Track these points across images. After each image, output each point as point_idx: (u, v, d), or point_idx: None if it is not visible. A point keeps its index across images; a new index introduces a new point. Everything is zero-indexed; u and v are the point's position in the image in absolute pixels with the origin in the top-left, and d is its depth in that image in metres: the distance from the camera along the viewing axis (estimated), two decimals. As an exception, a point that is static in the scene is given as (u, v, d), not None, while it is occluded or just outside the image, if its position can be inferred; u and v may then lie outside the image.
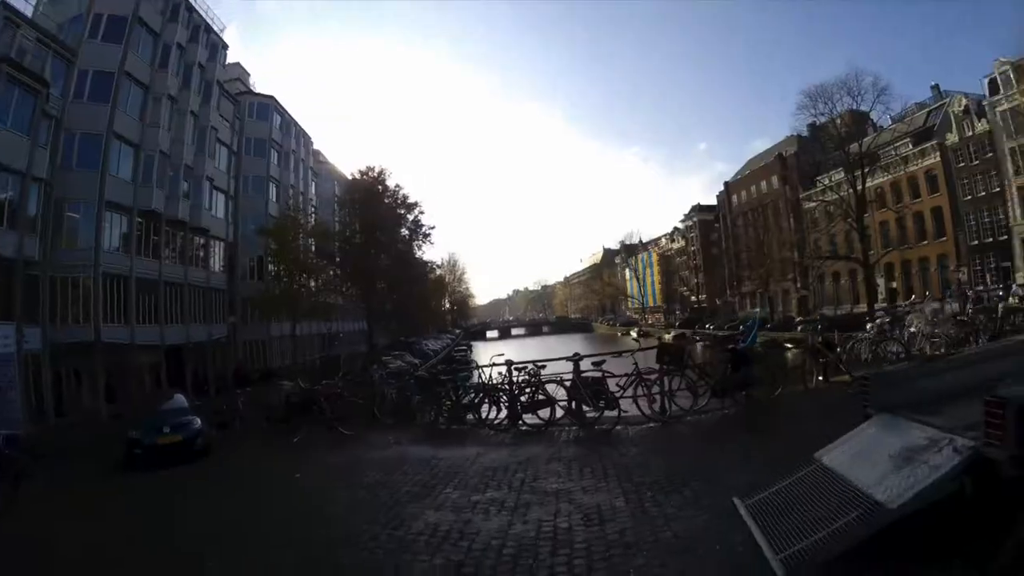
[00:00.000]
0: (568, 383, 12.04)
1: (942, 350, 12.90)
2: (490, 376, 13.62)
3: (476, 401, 13.42)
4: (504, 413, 12.94)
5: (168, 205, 37.72)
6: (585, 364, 12.15)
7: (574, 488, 7.58)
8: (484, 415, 13.08)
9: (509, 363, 13.22)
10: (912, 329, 14.58)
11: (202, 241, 42.64)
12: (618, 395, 11.57)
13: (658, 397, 11.66)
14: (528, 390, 12.57)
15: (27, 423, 25.64)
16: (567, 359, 12.44)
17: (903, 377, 6.21)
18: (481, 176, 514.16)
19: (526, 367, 12.84)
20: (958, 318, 14.63)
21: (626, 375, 11.78)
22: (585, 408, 11.73)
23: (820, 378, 12.83)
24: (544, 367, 12.72)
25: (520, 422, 12.40)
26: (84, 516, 9.66)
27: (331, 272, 53.54)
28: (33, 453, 14.22)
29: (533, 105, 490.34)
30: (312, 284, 48.98)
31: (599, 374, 11.94)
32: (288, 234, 44.41)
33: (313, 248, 50.62)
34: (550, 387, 12.29)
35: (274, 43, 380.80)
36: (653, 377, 11.72)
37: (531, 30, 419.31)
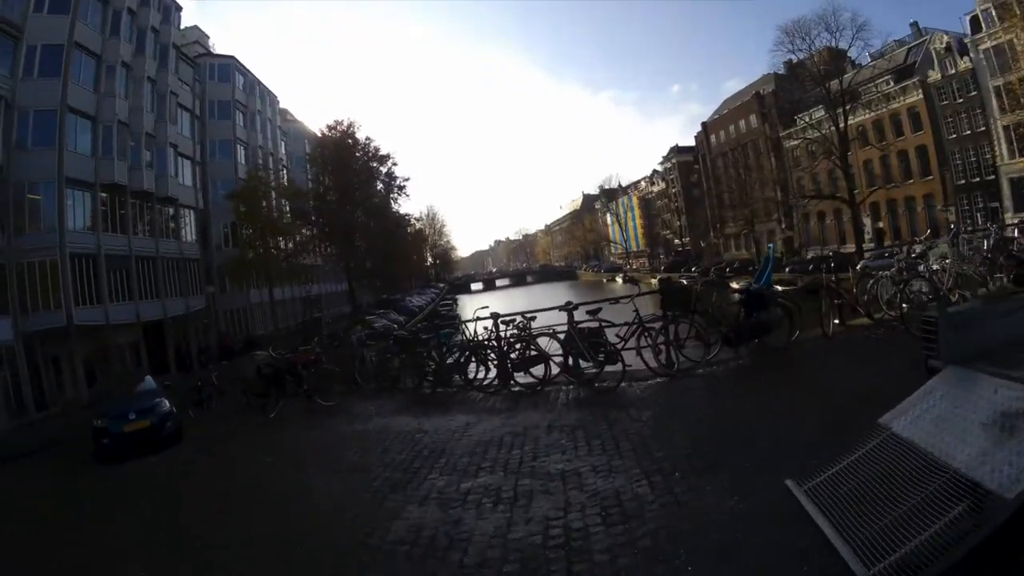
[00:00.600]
0: (562, 336, 10.95)
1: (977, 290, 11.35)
2: (475, 332, 12.64)
3: (462, 361, 12.49)
4: (493, 373, 11.89)
5: (132, 177, 36.20)
6: (580, 315, 11.05)
7: (583, 468, 6.36)
8: (472, 376, 12.12)
9: (495, 316, 12.06)
10: (936, 266, 12.09)
11: (171, 211, 41.21)
12: (619, 347, 10.37)
13: (663, 348, 10.36)
14: (518, 346, 11.45)
15: (5, 421, 24.95)
16: (559, 309, 11.24)
17: (976, 318, 4.95)
18: (457, 127, 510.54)
19: (514, 320, 11.78)
20: (987, 256, 12.39)
21: (626, 324, 10.59)
22: (583, 363, 10.73)
23: (836, 321, 11.33)
24: (534, 319, 11.63)
25: (512, 382, 11.31)
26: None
27: (306, 232, 52.34)
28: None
29: (503, 51, 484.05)
30: (286, 246, 47.77)
31: (596, 324, 10.76)
32: (256, 195, 43.10)
33: (287, 209, 49.48)
34: (542, 341, 11.13)
35: (232, 7, 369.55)
36: (657, 326, 10.51)
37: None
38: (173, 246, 40.25)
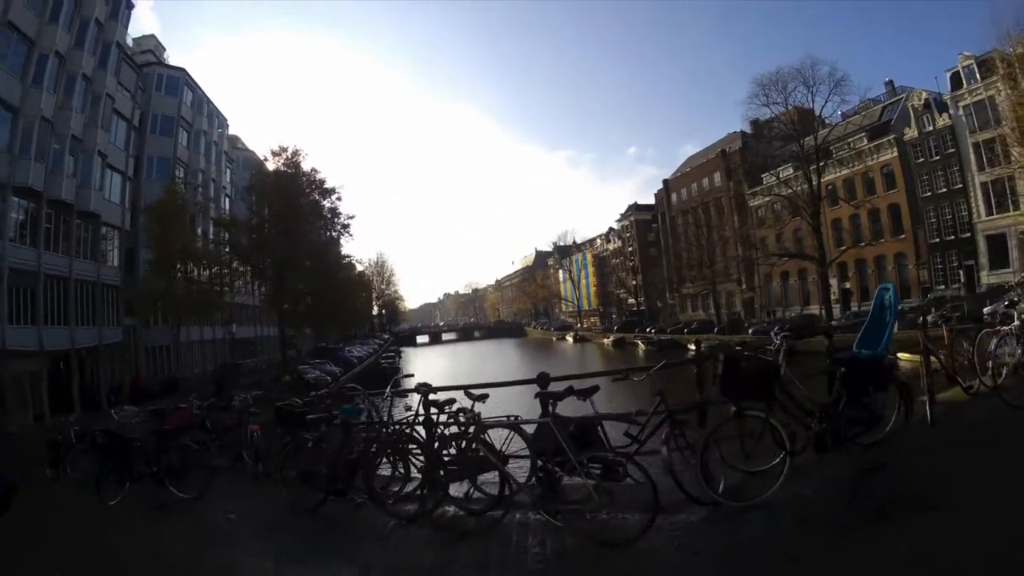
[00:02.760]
0: (529, 427, 6.62)
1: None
2: (388, 413, 8.21)
3: (370, 455, 7.54)
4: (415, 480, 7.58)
5: (50, 183, 31.84)
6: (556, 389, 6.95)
7: None
8: (385, 484, 7.68)
9: (424, 390, 7.94)
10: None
11: (92, 229, 36.45)
12: (630, 450, 6.40)
13: (701, 451, 5.66)
14: (454, 441, 7.01)
15: None
16: (531, 382, 7.39)
17: None
18: (411, 176, 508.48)
19: (453, 401, 7.55)
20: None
21: (638, 415, 6.82)
22: (567, 477, 5.98)
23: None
24: (485, 398, 7.35)
25: (444, 503, 6.79)
26: None
27: (238, 267, 47.98)
28: None
29: (463, 107, 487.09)
30: (202, 275, 43.21)
31: (590, 413, 6.46)
32: (174, 214, 37.96)
33: (222, 237, 45.54)
34: (497, 435, 6.81)
35: (199, 32, 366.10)
36: (691, 418, 6.71)
37: (461, 30, 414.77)
38: (90, 268, 35.55)
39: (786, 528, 5.00)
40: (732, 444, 5.88)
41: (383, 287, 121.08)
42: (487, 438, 6.71)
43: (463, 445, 6.88)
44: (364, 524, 6.90)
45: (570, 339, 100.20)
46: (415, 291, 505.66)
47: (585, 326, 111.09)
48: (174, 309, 39.00)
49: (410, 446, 7.80)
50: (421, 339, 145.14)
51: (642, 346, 70.07)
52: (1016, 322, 8.30)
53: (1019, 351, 8.00)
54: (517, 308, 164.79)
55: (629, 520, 5.52)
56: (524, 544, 5.60)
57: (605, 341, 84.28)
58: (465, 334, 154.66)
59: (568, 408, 6.29)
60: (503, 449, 6.82)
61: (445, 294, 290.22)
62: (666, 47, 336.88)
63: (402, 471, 7.86)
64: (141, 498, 9.06)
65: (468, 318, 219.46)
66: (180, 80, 47.90)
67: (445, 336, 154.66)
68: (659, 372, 7.42)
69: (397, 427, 8.09)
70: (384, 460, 7.84)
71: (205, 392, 33.16)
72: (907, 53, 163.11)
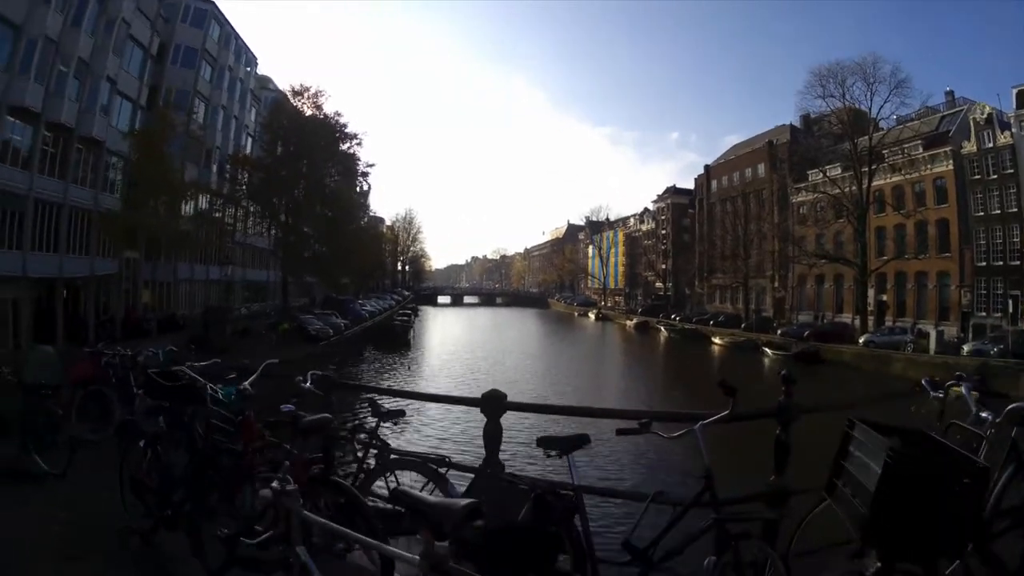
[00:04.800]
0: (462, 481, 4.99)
1: None
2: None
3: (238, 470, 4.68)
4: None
5: (49, 104, 30.03)
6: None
7: None
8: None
9: (319, 380, 5.66)
10: None
11: (95, 156, 34.57)
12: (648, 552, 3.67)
13: None
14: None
15: None
16: (473, 403, 5.45)
17: None
18: (449, 136, 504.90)
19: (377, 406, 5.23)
20: None
21: (655, 499, 4.12)
22: None
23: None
24: (399, 417, 5.25)
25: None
26: None
27: (246, 206, 46.29)
28: None
29: (510, 73, 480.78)
30: (187, 210, 40.72)
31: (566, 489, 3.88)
32: (157, 139, 34.88)
33: (236, 178, 44.07)
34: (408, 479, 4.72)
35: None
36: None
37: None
38: (87, 196, 33.73)
39: None
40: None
41: (409, 243, 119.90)
42: (393, 481, 4.73)
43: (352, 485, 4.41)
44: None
45: (592, 316, 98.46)
46: (443, 251, 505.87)
47: (609, 304, 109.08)
48: (152, 242, 36.81)
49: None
50: (443, 299, 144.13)
51: (664, 332, 68.28)
52: None
53: None
54: (543, 279, 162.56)
55: None
56: None
57: (628, 323, 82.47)
58: (487, 299, 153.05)
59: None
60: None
61: (472, 257, 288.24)
62: (721, 35, 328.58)
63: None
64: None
65: (493, 284, 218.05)
66: (207, 13, 45.58)
67: (467, 299, 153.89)
68: (710, 428, 3.91)
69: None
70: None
71: (196, 334, 32.31)
72: (969, 66, 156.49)
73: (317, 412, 4.55)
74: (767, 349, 48.75)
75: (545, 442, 3.95)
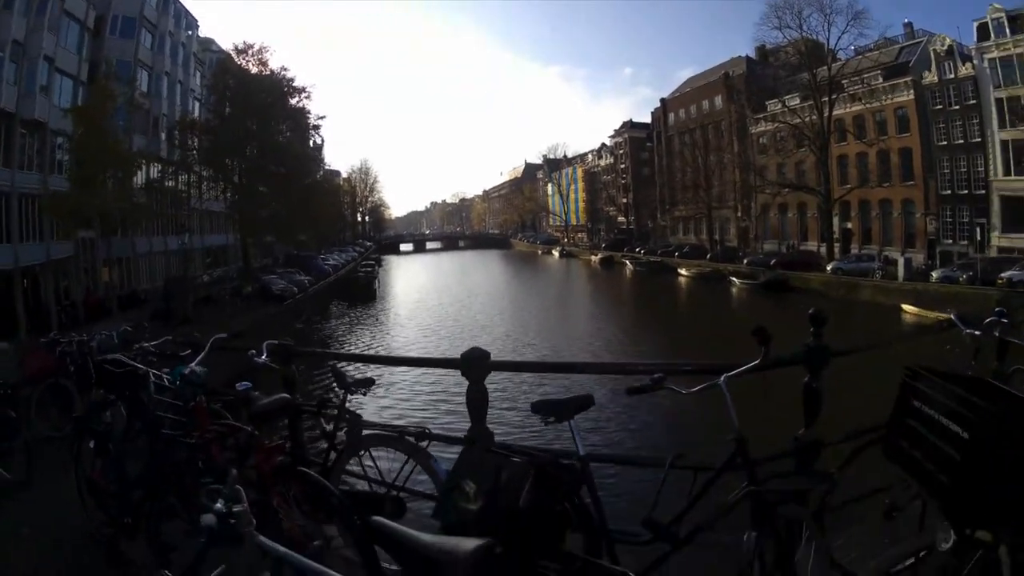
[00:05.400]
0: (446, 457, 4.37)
1: None
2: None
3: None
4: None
5: (-13, 91, 28.49)
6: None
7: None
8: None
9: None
10: None
11: (39, 138, 33.01)
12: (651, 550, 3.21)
13: None
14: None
15: None
16: (452, 365, 4.70)
17: None
18: (402, 85, 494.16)
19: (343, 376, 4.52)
20: None
21: (674, 462, 3.46)
22: None
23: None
24: (367, 386, 4.46)
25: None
26: None
27: (200, 171, 44.62)
28: None
29: (457, 16, 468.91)
30: (139, 181, 38.60)
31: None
32: (97, 114, 32.48)
33: (186, 144, 42.55)
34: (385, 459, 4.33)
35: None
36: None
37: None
38: (34, 180, 32.16)
39: None
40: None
41: (367, 193, 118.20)
42: (368, 460, 4.29)
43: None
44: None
45: (556, 254, 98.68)
46: (402, 199, 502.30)
47: (572, 242, 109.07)
48: (106, 219, 34.90)
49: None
50: (405, 247, 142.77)
51: (630, 266, 68.87)
52: None
53: None
54: (504, 220, 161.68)
55: None
56: None
57: (592, 258, 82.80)
58: (450, 243, 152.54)
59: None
60: (397, 480, 4.07)
61: (432, 203, 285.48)
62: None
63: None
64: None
65: (454, 227, 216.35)
66: (143, -21, 43.06)
67: (429, 245, 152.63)
68: (737, 380, 3.32)
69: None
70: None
71: (159, 307, 31.41)
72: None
73: (278, 386, 4.37)
74: (734, 279, 49.39)
75: (542, 407, 3.40)
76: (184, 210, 48.22)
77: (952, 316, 4.19)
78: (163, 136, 44.24)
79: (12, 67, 30.54)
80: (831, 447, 3.79)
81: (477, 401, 4.28)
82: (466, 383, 4.35)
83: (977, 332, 3.96)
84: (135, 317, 27.25)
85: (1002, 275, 32.11)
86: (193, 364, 4.61)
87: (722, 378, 3.24)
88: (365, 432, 4.28)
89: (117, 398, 4.95)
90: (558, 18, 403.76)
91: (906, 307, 33.92)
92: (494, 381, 4.57)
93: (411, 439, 4.01)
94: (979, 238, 38.58)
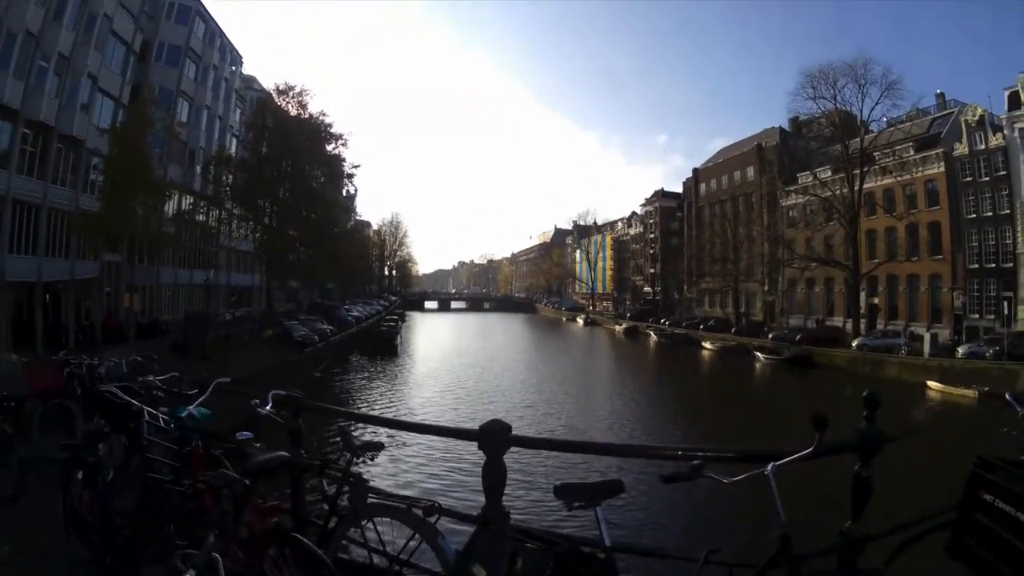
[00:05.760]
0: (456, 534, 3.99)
1: None
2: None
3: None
4: None
5: (28, 101, 29.16)
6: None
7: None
8: None
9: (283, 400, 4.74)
10: None
11: (75, 154, 33.57)
12: None
13: None
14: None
15: None
16: (470, 437, 4.23)
17: None
18: (440, 141, 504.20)
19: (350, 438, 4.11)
20: None
21: (708, 557, 3.13)
22: None
23: None
24: (377, 451, 4.08)
25: None
26: None
27: (231, 208, 44.81)
28: None
29: (501, 74, 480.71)
30: (170, 210, 39.15)
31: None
32: (135, 136, 32.26)
33: (221, 179, 42.93)
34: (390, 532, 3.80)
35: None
36: None
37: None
38: (66, 196, 32.67)
39: None
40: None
41: (395, 247, 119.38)
42: (372, 531, 3.84)
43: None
44: None
45: (580, 321, 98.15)
46: (430, 256, 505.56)
47: (597, 309, 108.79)
48: (134, 245, 35.44)
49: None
50: (430, 304, 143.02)
51: (654, 337, 68.32)
52: None
53: None
54: (530, 283, 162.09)
55: None
56: None
57: (616, 328, 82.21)
58: (475, 304, 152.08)
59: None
60: (401, 554, 3.68)
61: (460, 262, 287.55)
62: (707, 38, 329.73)
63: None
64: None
65: (480, 288, 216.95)
66: (192, 10, 44.66)
67: (454, 304, 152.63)
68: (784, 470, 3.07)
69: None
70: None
71: (178, 340, 31.41)
72: (958, 67, 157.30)
73: (284, 437, 4.11)
74: (758, 353, 48.48)
75: (566, 491, 3.14)
76: (212, 246, 48.89)
77: (1007, 396, 4.01)
78: (198, 169, 45.09)
79: (55, 80, 31.21)
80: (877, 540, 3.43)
81: (494, 478, 3.95)
82: (483, 456, 4.04)
83: None
84: (152, 347, 27.05)
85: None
86: (193, 407, 4.65)
87: (769, 467, 3.01)
88: (370, 499, 4.00)
89: (115, 430, 4.78)
90: (599, 83, 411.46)
91: (931, 384, 33.09)
92: (513, 455, 4.25)
93: (419, 512, 3.63)
94: (1006, 312, 37.77)
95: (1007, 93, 42.93)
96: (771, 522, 2.83)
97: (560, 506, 3.19)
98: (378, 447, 4.14)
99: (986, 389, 29.87)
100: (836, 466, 3.49)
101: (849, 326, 48.36)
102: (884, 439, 3.49)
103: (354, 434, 4.52)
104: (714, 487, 3.16)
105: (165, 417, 4.71)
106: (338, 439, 4.76)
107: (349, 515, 3.88)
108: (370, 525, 3.80)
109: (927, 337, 39.50)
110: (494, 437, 3.95)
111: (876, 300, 51.97)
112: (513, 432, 4.02)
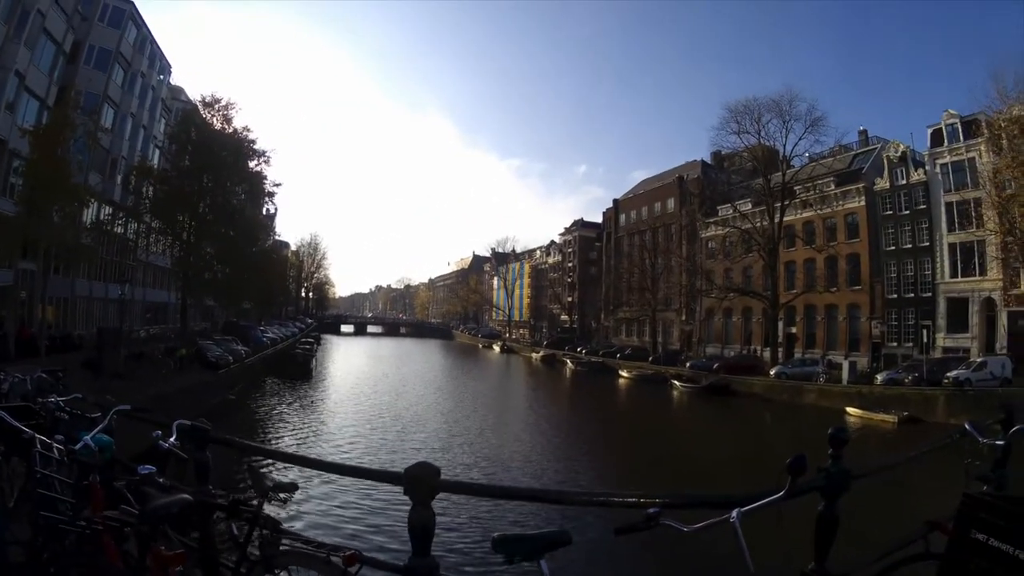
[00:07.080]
0: None
1: None
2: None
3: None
4: None
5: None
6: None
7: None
8: None
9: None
10: None
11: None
12: None
13: None
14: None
15: None
16: (393, 480, 3.60)
17: None
18: (356, 164, 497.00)
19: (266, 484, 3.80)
20: None
21: None
22: None
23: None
24: (290, 492, 3.96)
25: None
26: None
27: (149, 221, 43.08)
28: None
29: (420, 102, 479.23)
30: (87, 219, 37.31)
31: None
32: (55, 139, 30.08)
33: (141, 190, 41.34)
34: None
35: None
36: None
37: (424, 24, 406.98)
38: (-20, 199, 30.73)
39: None
40: None
41: (313, 269, 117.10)
42: None
43: None
44: None
45: (497, 348, 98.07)
46: (347, 279, 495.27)
47: (514, 337, 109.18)
48: (49, 254, 33.26)
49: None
50: (346, 328, 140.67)
51: (571, 365, 68.94)
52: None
53: None
54: (447, 309, 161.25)
55: None
56: None
57: (534, 355, 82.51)
58: (391, 329, 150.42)
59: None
60: None
61: (377, 286, 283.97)
62: (630, 72, 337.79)
63: None
64: None
65: (397, 313, 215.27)
66: (125, 13, 43.15)
67: (371, 328, 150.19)
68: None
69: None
70: None
71: (91, 357, 29.67)
72: (881, 106, 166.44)
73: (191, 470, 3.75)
74: (675, 382, 49.39)
75: (505, 544, 2.76)
76: (129, 260, 46.87)
77: (967, 426, 3.96)
78: (119, 179, 43.27)
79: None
80: None
81: (421, 526, 3.41)
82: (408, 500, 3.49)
83: (999, 442, 3.76)
84: (65, 362, 25.48)
85: (948, 375, 33.08)
86: (90, 436, 4.09)
87: (734, 513, 2.78)
88: (284, 546, 3.61)
89: (13, 453, 4.37)
90: (519, 112, 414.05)
91: (850, 409, 34.48)
92: (442, 500, 3.75)
93: (338, 561, 3.29)
94: (925, 340, 39.49)
95: (930, 131, 45.45)
96: (738, 573, 2.65)
97: (497, 556, 2.82)
98: (292, 488, 3.92)
99: (906, 414, 31.42)
100: (805, 502, 3.33)
101: (767, 355, 49.79)
102: (851, 477, 3.49)
103: (266, 472, 4.16)
104: (674, 536, 2.87)
105: (59, 447, 4.23)
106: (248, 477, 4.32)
107: (261, 563, 3.56)
108: (284, 574, 3.53)
109: (845, 365, 41.10)
110: (421, 483, 3.44)
111: (794, 329, 53.87)
112: (442, 476, 3.51)
